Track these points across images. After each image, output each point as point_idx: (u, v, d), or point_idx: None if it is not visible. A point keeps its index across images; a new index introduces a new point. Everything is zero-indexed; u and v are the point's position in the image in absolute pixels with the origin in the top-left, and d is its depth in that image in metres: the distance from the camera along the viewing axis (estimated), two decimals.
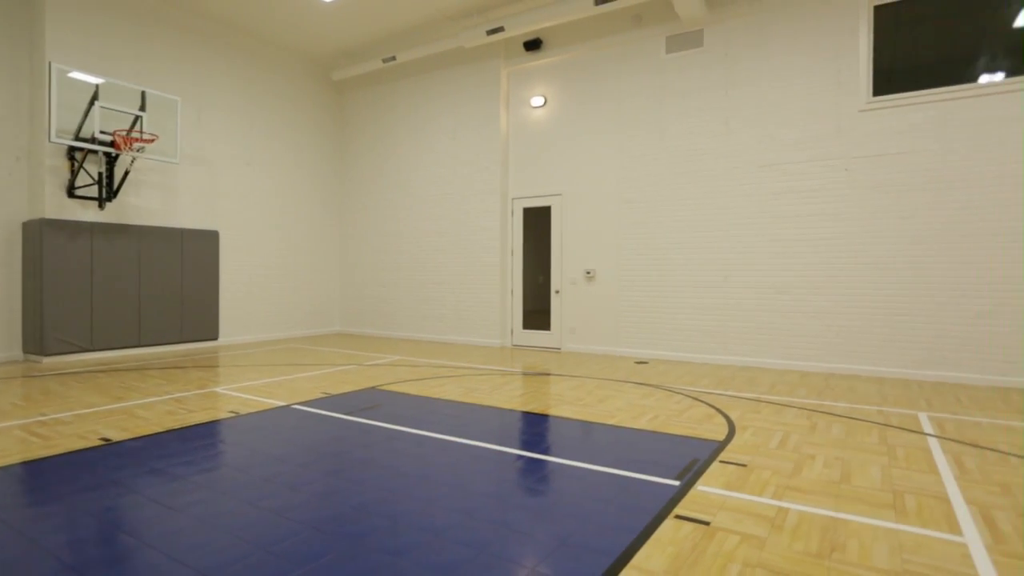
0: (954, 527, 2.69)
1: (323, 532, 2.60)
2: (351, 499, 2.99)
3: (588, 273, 8.81)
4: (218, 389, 5.82)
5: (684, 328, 8.00)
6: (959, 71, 6.50)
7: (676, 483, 3.21)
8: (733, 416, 4.78)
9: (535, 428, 4.41)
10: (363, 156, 11.39)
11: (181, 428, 4.35)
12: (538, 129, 9.36)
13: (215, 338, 9.34)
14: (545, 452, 3.79)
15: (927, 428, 4.46)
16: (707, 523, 2.69)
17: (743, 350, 7.58)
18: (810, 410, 5.04)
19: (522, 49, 9.36)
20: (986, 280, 6.25)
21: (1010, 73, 6.25)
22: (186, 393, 5.62)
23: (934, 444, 4.03)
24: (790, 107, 7.32)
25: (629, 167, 8.48)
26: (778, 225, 7.37)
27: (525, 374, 6.87)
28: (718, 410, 5.00)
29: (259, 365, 7.39)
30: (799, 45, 7.26)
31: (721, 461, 3.61)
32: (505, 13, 8.86)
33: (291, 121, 10.75)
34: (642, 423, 4.55)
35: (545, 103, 9.26)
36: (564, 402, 5.32)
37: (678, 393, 5.73)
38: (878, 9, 6.87)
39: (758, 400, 5.42)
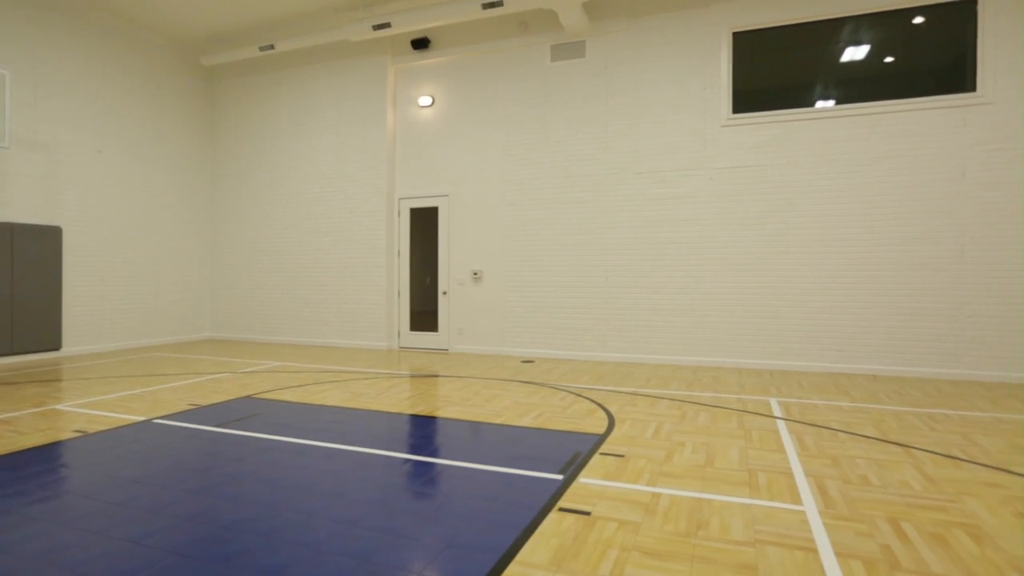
0: (796, 498, 3.04)
1: (187, 557, 2.39)
2: (221, 518, 2.77)
3: (475, 274, 8.89)
4: (60, 406, 5.14)
5: (567, 327, 8.32)
6: (801, 96, 7.37)
7: (559, 477, 3.33)
8: (612, 410, 5.05)
9: (422, 431, 4.36)
10: (239, 149, 10.61)
11: (9, 454, 3.79)
12: (426, 129, 9.28)
13: (57, 348, 8.23)
14: (432, 454, 3.77)
15: (776, 412, 5.00)
16: (588, 513, 2.82)
17: (622, 347, 8.03)
18: (680, 401, 5.45)
19: (410, 47, 9.23)
20: (821, 280, 7.14)
21: (839, 101, 7.19)
22: (17, 413, 4.90)
23: (781, 426, 4.53)
24: (662, 119, 7.87)
25: (515, 170, 8.66)
26: (652, 229, 7.90)
27: (413, 376, 6.78)
28: (599, 405, 5.26)
29: (112, 377, 6.63)
30: (670, 62, 7.84)
31: (601, 453, 3.80)
32: (393, 9, 8.69)
33: (153, 107, 9.76)
34: (527, 421, 4.67)
35: (433, 103, 9.20)
36: (451, 403, 5.32)
37: (562, 390, 5.95)
38: (736, 35, 7.60)
39: (635, 394, 5.78)
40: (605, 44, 8.16)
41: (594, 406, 5.20)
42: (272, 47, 9.37)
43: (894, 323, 6.87)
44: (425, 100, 9.21)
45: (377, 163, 9.40)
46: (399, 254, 9.50)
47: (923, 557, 2.40)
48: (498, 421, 4.66)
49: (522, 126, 8.63)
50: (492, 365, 7.65)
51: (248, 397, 5.56)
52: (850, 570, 2.29)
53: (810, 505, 2.95)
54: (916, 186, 6.81)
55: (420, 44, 9.04)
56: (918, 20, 6.95)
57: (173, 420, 4.65)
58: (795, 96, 7.38)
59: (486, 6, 7.69)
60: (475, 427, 4.47)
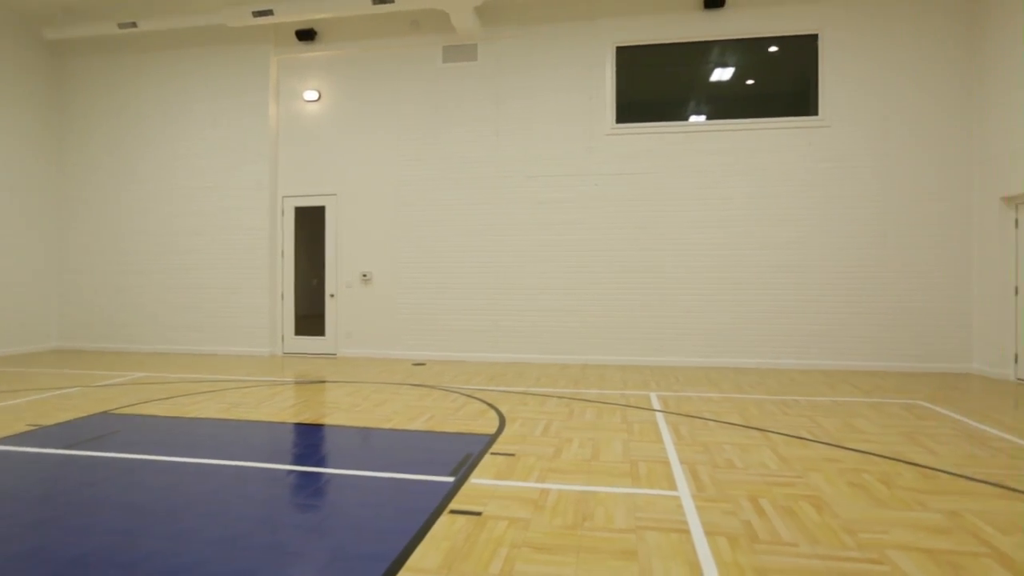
0: (672, 484, 3.27)
1: None
2: (67, 552, 2.46)
3: (365, 276, 8.64)
4: None
5: (460, 328, 8.33)
6: (677, 110, 7.94)
7: (451, 479, 3.33)
8: (503, 409, 5.13)
9: (308, 439, 4.16)
10: (94, 138, 9.49)
11: None
12: (312, 124, 8.88)
13: None
14: (319, 464, 3.61)
15: (655, 405, 5.35)
16: (479, 513, 2.85)
17: (513, 347, 8.18)
18: (569, 399, 5.66)
19: (295, 38, 8.78)
20: (694, 281, 7.74)
21: (709, 116, 7.85)
22: None
23: (660, 418, 4.85)
24: (552, 126, 8.13)
25: (406, 170, 8.53)
26: (541, 231, 8.14)
27: (298, 383, 6.45)
28: (490, 405, 5.32)
29: None
30: (559, 71, 8.12)
31: (492, 453, 3.85)
32: None
33: None
34: (419, 424, 4.62)
35: (320, 98, 8.82)
36: (339, 409, 5.12)
37: (454, 392, 5.94)
38: (620, 49, 8.04)
39: (526, 393, 5.91)
40: (496, 49, 8.28)
41: (486, 407, 5.25)
42: (134, 25, 8.49)
43: (755, 320, 7.61)
44: (311, 95, 8.81)
45: (258, 158, 8.84)
46: (283, 255, 9.00)
47: (776, 528, 2.68)
48: (388, 426, 4.56)
49: (414, 126, 8.52)
50: (383, 369, 7.47)
51: (104, 413, 4.99)
52: (717, 546, 2.50)
53: (684, 490, 3.18)
54: (772, 196, 7.60)
55: (306, 36, 8.63)
56: (773, 49, 7.76)
57: (6, 445, 4.07)
58: (672, 110, 7.95)
59: (376, 2, 7.51)
60: (365, 433, 4.34)
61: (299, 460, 3.70)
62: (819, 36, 7.55)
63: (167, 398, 5.63)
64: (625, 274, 7.92)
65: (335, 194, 8.78)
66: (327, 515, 2.83)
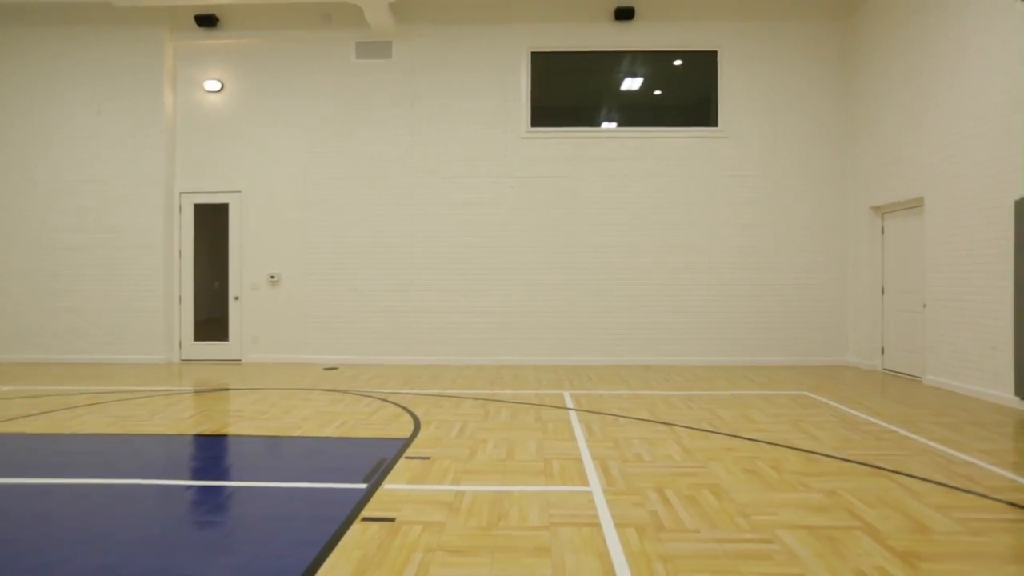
0: (584, 480, 3.37)
1: None
2: None
3: (272, 277, 8.23)
4: None
5: (374, 331, 8.14)
6: (590, 116, 8.20)
7: (363, 486, 3.24)
8: (419, 413, 5.07)
9: (208, 452, 3.91)
10: None
11: None
12: (214, 117, 8.34)
13: None
14: (220, 477, 3.40)
15: (569, 403, 5.49)
16: (392, 519, 2.79)
17: (429, 349, 8.10)
18: (484, 400, 5.68)
19: (194, 23, 8.19)
20: (606, 282, 8.02)
21: (620, 124, 8.17)
22: None
23: (573, 416, 4.98)
24: (468, 127, 8.14)
25: (317, 168, 8.23)
26: (457, 233, 8.12)
27: (197, 392, 6.04)
28: (405, 409, 5.24)
29: None
30: (475, 73, 8.14)
31: (407, 457, 3.79)
32: None
33: None
34: (330, 430, 4.46)
35: (223, 88, 8.30)
36: (243, 418, 4.85)
37: (367, 396, 5.80)
38: (535, 55, 8.18)
39: (441, 395, 5.87)
40: (412, 47, 8.18)
41: (400, 410, 5.16)
42: None
43: (662, 319, 8.00)
44: (213, 84, 8.28)
45: (152, 151, 8.19)
46: (180, 255, 8.39)
47: (680, 517, 2.83)
48: (297, 433, 4.37)
49: (325, 123, 8.23)
50: (292, 374, 7.15)
51: None
52: (626, 538, 2.60)
53: (595, 485, 3.29)
54: (677, 202, 8.03)
55: (206, 21, 8.09)
56: (678, 62, 8.20)
57: None
58: (586, 116, 8.20)
59: None
60: (272, 442, 4.14)
61: (198, 474, 3.46)
62: (718, 53, 8.07)
63: (39, 413, 5.08)
64: (540, 275, 8.07)
65: (240, 191, 8.30)
66: (229, 531, 2.67)
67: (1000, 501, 3.03)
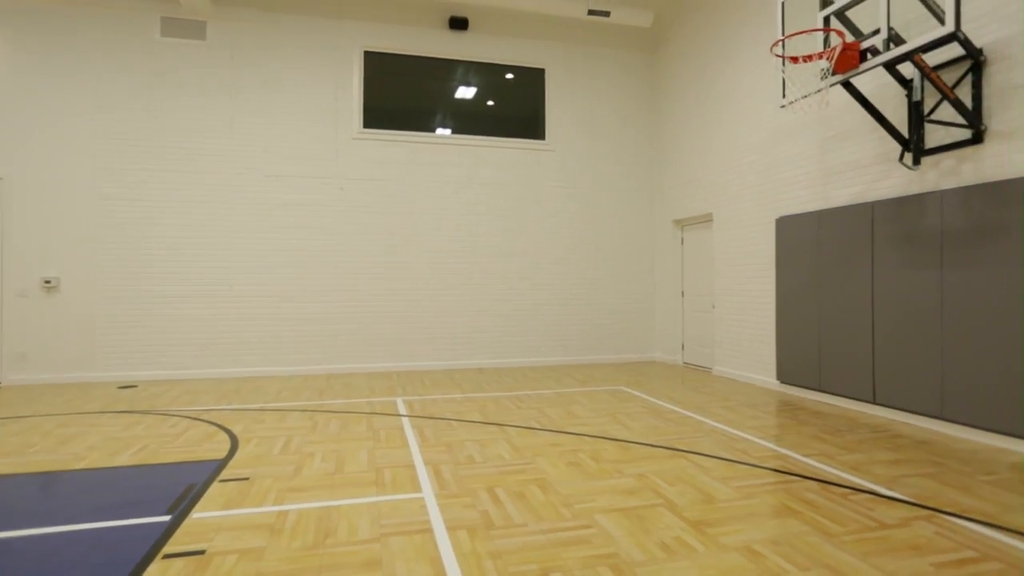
0: (416, 487, 3.34)
1: None
2: None
3: (48, 282, 6.93)
4: None
5: (184, 342, 7.26)
6: (425, 121, 8.20)
7: (166, 519, 2.87)
8: (236, 430, 4.63)
9: None
10: None
11: None
12: None
13: None
14: None
15: (402, 410, 5.41)
16: (202, 552, 2.51)
17: (250, 360, 7.44)
18: (312, 411, 5.37)
19: None
20: (439, 287, 8.07)
21: (455, 131, 8.29)
22: None
23: (406, 422, 4.92)
24: (295, 124, 7.65)
25: (113, 156, 7.12)
26: (283, 235, 7.58)
27: None
28: (220, 427, 4.74)
29: None
30: (305, 68, 7.67)
31: (221, 480, 3.43)
32: None
33: None
34: (124, 459, 3.88)
35: None
36: (2, 455, 4.01)
37: (174, 415, 5.15)
38: (368, 54, 7.96)
39: (263, 409, 5.43)
40: (232, 32, 7.47)
41: (214, 428, 4.66)
42: None
43: (494, 323, 8.27)
44: None
45: None
46: None
47: (509, 513, 2.94)
48: (81, 466, 3.73)
49: (124, 106, 7.15)
50: (75, 396, 6.08)
51: None
52: (457, 540, 2.64)
53: (428, 491, 3.28)
54: (508, 209, 8.36)
55: None
56: (509, 76, 8.56)
57: None
58: (421, 121, 8.17)
59: None
60: (44, 480, 3.47)
61: None
62: (545, 71, 8.59)
63: None
64: (374, 280, 7.86)
65: (1, 177, 6.86)
66: None
67: (766, 468, 3.63)
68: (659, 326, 8.92)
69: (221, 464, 3.75)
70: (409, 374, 7.59)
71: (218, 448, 4.12)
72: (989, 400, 4.15)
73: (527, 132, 8.57)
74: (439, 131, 8.23)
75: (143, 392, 6.30)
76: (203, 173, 7.36)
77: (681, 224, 8.58)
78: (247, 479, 3.46)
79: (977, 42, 4.32)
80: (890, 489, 3.26)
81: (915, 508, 2.99)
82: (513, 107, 8.58)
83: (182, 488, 3.29)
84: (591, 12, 7.83)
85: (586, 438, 4.40)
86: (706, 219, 7.92)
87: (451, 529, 2.75)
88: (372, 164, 7.89)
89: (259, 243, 7.50)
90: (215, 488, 3.30)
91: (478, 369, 8.03)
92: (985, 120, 4.26)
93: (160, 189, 7.23)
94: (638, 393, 6.24)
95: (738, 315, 7.04)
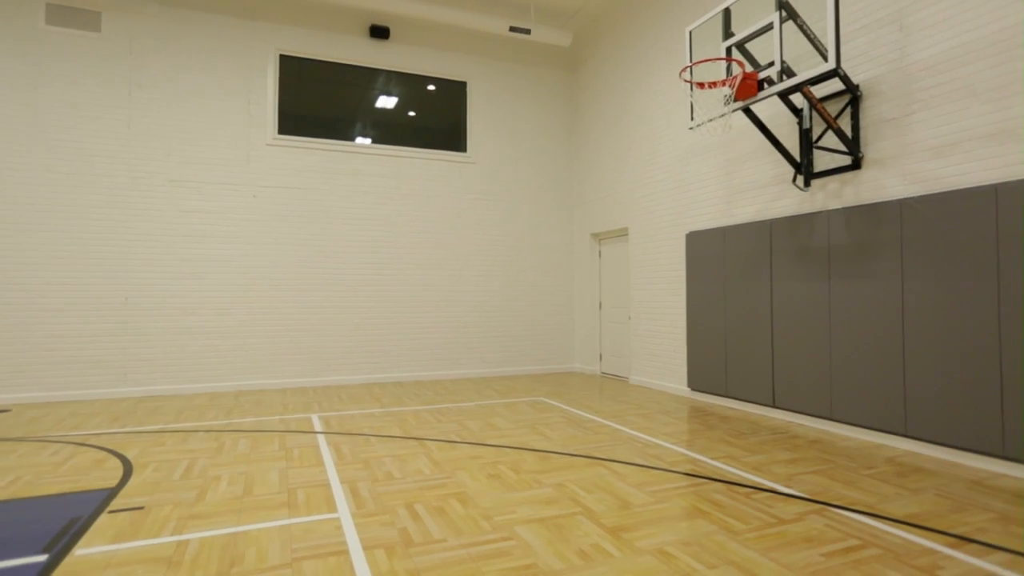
0: (332, 506, 3.21)
1: None
2: None
3: None
4: None
5: (68, 360, 6.61)
6: (344, 129, 7.99)
7: (42, 558, 2.58)
8: (130, 455, 4.26)
9: None
10: None
11: None
12: None
13: None
14: None
15: (317, 426, 5.20)
16: None
17: (148, 379, 6.89)
18: (218, 431, 5.04)
19: None
20: (357, 299, 7.86)
21: (375, 140, 8.14)
22: None
23: (321, 439, 4.73)
24: (204, 127, 7.22)
25: None
26: (188, 244, 7.12)
27: None
28: (111, 452, 4.35)
29: None
30: (215, 69, 7.28)
31: (111, 511, 3.14)
32: None
33: None
34: None
35: None
36: None
37: (55, 442, 4.67)
38: (284, 58, 7.68)
39: (162, 431, 5.03)
40: (130, 24, 6.97)
41: (104, 454, 4.27)
42: None
43: (414, 335, 8.14)
44: None
45: None
46: None
47: (429, 529, 2.89)
48: None
49: (1, 98, 6.48)
50: None
51: None
52: (375, 559, 2.55)
53: (344, 510, 3.16)
54: (428, 220, 8.30)
55: None
56: (431, 87, 8.54)
57: None
58: (338, 129, 7.96)
59: None
60: None
61: None
62: (467, 84, 8.65)
63: None
64: (288, 292, 7.53)
65: None
66: None
67: (678, 472, 3.79)
68: (578, 337, 9.13)
69: (111, 493, 3.43)
70: (326, 389, 7.31)
71: (108, 476, 3.77)
72: (869, 400, 4.57)
73: (449, 144, 8.57)
74: (359, 140, 8.06)
75: (17, 417, 5.67)
76: (96, 176, 6.78)
77: (599, 237, 8.86)
78: (141, 508, 3.19)
79: (855, 79, 4.81)
80: (787, 487, 3.50)
81: (808, 503, 3.22)
82: (435, 119, 8.56)
83: (63, 523, 2.98)
84: (512, 29, 7.98)
85: (506, 450, 4.41)
86: (622, 233, 8.23)
87: (368, 549, 2.66)
88: (288, 172, 7.59)
89: (161, 252, 6.99)
90: (103, 520, 3.02)
91: (397, 383, 7.87)
92: (862, 148, 4.73)
93: (45, 191, 6.58)
94: (558, 403, 6.34)
95: (653, 326, 7.34)
